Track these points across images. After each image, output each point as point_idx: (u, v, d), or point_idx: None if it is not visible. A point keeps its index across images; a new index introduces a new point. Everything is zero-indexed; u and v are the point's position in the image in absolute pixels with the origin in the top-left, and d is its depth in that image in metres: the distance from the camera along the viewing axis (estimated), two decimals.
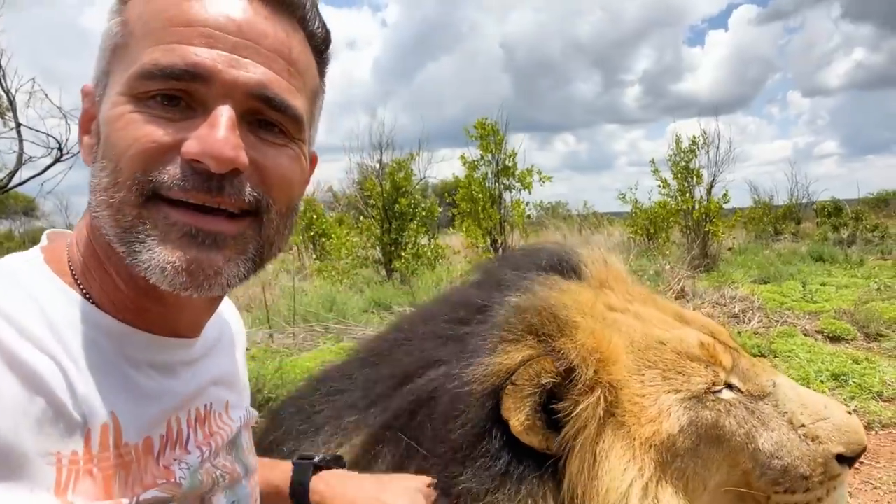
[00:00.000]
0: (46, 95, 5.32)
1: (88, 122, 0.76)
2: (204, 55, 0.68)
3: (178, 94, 0.69)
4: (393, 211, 11.82)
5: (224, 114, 0.68)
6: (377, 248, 12.03)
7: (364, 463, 1.12)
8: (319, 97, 0.85)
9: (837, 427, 1.16)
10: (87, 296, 0.75)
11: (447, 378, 1.08)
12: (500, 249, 10.51)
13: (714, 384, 1.14)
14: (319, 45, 0.82)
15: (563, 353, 1.05)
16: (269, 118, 0.74)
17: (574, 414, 1.04)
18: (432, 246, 12.25)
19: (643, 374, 1.12)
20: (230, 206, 0.71)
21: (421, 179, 13.05)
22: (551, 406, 1.05)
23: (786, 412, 1.17)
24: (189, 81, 0.68)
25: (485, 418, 1.03)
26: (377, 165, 12.59)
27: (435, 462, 1.04)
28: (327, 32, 0.82)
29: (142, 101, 0.68)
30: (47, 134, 5.46)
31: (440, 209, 12.71)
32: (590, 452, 1.05)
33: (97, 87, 0.76)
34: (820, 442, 1.15)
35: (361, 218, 12.38)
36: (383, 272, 11.63)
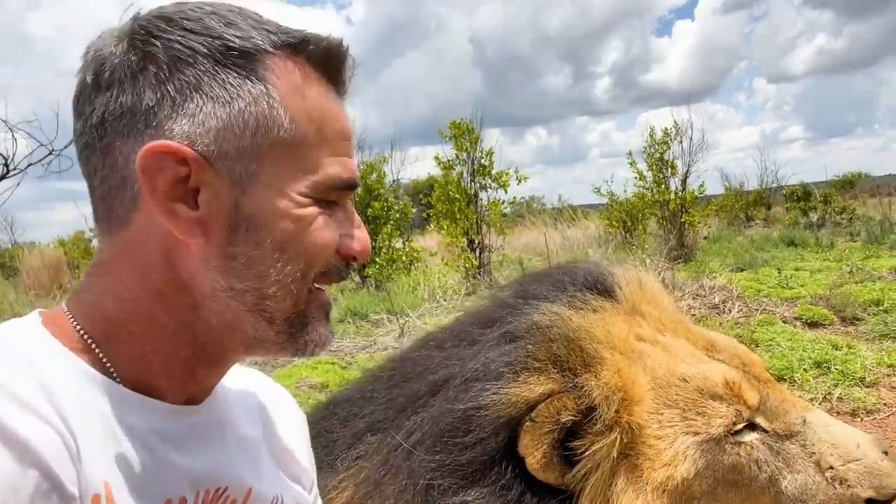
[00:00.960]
0: None
1: (181, 188, 0.72)
2: (355, 168, 0.81)
3: None
4: (365, 215, 11.61)
5: (357, 214, 0.82)
6: None
7: (377, 477, 1.10)
8: None
9: (869, 470, 1.12)
10: (104, 360, 0.74)
11: (463, 391, 1.07)
12: (478, 249, 10.39)
13: (735, 425, 1.12)
14: None
15: (585, 391, 1.05)
16: None
17: (588, 453, 1.04)
18: (407, 249, 12.06)
19: (662, 414, 1.11)
20: None
21: (394, 181, 12.85)
22: (568, 442, 1.05)
23: (813, 453, 1.14)
24: (348, 190, 0.80)
25: (497, 448, 1.02)
26: None
27: (437, 473, 1.02)
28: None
29: (320, 203, 0.77)
30: None
31: (413, 210, 12.52)
32: (601, 495, 1.04)
33: (223, 160, 0.72)
34: (849, 486, 1.11)
35: None
36: (357, 279, 11.41)
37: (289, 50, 0.76)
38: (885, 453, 1.15)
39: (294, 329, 0.78)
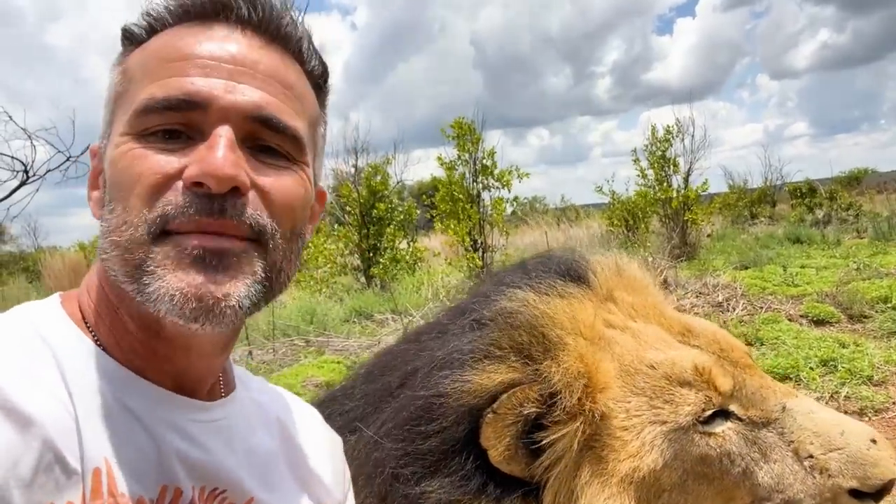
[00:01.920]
0: (11, 117, 5.13)
1: (96, 179, 0.78)
2: (200, 83, 0.69)
3: (178, 126, 0.70)
4: (370, 216, 11.64)
5: (222, 134, 0.69)
6: (355, 254, 11.83)
7: (353, 475, 1.06)
8: (321, 125, 0.85)
9: (852, 459, 1.04)
10: (98, 341, 0.75)
11: (427, 379, 1.04)
12: (481, 249, 10.39)
13: (704, 411, 1.06)
14: (317, 80, 0.84)
15: (545, 378, 1.00)
16: (268, 142, 0.74)
17: (551, 444, 1.00)
18: (411, 250, 12.08)
19: (629, 403, 1.06)
20: (232, 231, 0.69)
21: (398, 182, 12.89)
22: (532, 433, 1.01)
23: (792, 441, 1.07)
24: (186, 111, 0.69)
25: (458, 439, 0.98)
26: (352, 171, 12.38)
27: (400, 462, 1.00)
28: (325, 67, 0.84)
29: (143, 137, 0.69)
30: (12, 157, 5.23)
31: (418, 211, 12.55)
32: (565, 487, 1.00)
33: (103, 140, 0.77)
34: (830, 475, 1.04)
35: (337, 225, 12.15)
36: (363, 279, 11.44)
37: (161, 24, 0.76)
38: (874, 441, 1.07)
39: (137, 283, 0.68)
